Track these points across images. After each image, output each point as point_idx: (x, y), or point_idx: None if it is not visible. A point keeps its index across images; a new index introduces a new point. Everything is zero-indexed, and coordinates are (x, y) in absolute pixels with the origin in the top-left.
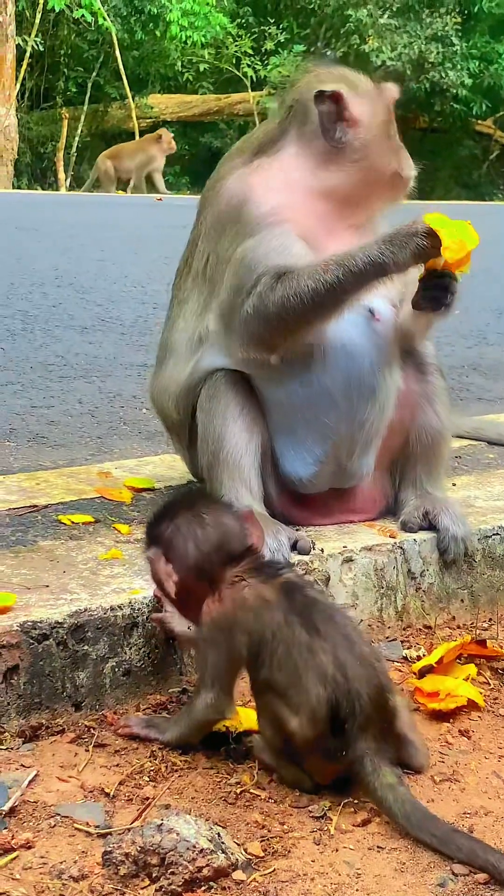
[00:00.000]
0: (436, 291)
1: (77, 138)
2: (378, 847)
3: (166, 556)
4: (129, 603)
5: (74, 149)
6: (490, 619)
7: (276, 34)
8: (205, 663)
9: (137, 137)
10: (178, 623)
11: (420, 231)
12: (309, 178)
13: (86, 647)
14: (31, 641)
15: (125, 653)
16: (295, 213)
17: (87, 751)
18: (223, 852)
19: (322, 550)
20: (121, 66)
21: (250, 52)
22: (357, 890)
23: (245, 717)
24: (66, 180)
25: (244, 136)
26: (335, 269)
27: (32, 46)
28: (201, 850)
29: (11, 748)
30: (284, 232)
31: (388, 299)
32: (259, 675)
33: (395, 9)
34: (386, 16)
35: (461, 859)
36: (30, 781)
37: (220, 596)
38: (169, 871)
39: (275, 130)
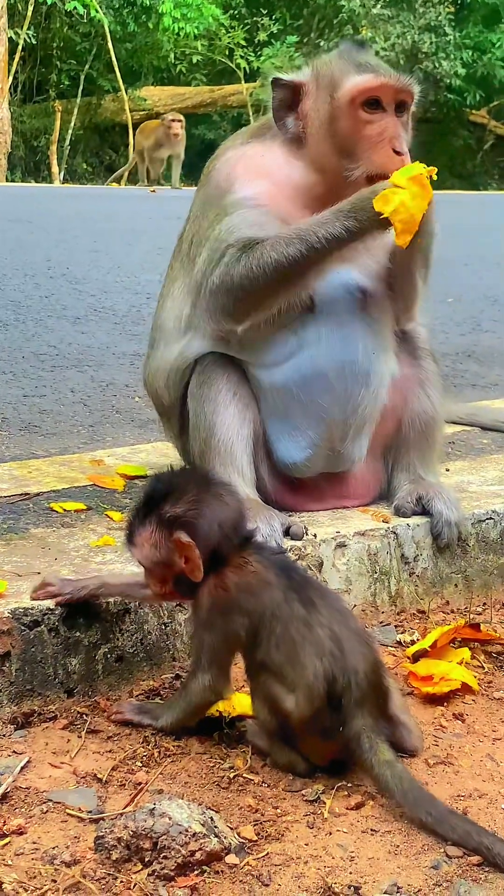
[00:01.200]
0: None
1: (70, 131)
2: (372, 830)
3: (190, 536)
4: None
5: (68, 142)
6: (484, 603)
7: (269, 25)
8: (201, 645)
9: (131, 130)
10: (99, 583)
11: (369, 206)
12: (285, 167)
13: (78, 634)
14: (23, 628)
15: (117, 639)
16: (273, 199)
17: (80, 737)
18: (216, 836)
19: (315, 536)
20: (113, 59)
21: (243, 43)
22: (350, 873)
23: (238, 702)
24: (59, 173)
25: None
26: (297, 242)
27: (25, 39)
28: (194, 834)
29: (4, 735)
30: (261, 212)
31: (378, 279)
32: (255, 657)
33: None
34: (379, 6)
35: (455, 841)
36: (22, 768)
37: (224, 579)
38: (161, 856)
39: (271, 116)
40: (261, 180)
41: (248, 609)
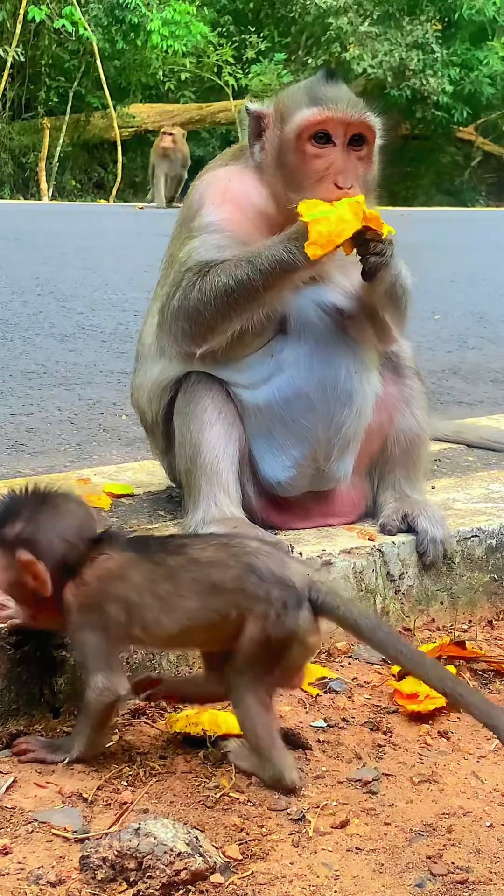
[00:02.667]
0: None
1: (59, 148)
2: (356, 849)
3: (31, 552)
4: None
5: (56, 158)
6: (469, 621)
7: (257, 43)
8: (84, 650)
9: (119, 147)
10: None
11: (300, 229)
12: (253, 193)
13: (64, 653)
14: (9, 647)
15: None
16: (238, 224)
17: None
18: (201, 856)
19: (301, 554)
20: (102, 76)
21: (231, 60)
22: (335, 892)
23: (223, 720)
24: (48, 190)
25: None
26: (245, 265)
27: (13, 57)
28: (179, 854)
29: None
30: (223, 236)
31: (352, 295)
32: (166, 627)
33: (375, 17)
34: (366, 24)
35: (431, 685)
36: (7, 787)
37: (82, 579)
38: (146, 875)
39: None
40: (227, 205)
41: (118, 594)
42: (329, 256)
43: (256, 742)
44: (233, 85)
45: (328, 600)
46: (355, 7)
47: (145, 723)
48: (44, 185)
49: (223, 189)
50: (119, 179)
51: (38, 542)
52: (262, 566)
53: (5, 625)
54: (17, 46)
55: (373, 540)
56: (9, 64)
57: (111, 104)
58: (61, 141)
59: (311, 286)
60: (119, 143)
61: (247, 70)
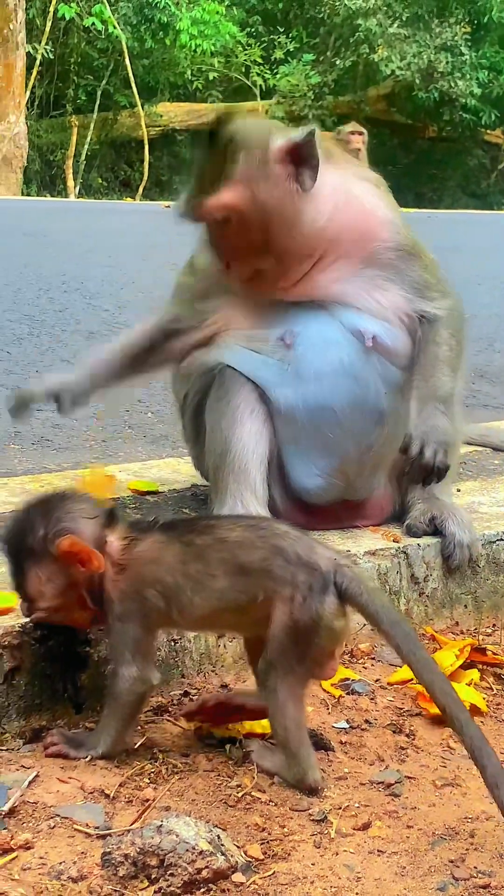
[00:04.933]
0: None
1: (86, 146)
2: (378, 851)
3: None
4: None
5: (83, 156)
6: (493, 625)
7: (286, 43)
8: (122, 639)
9: (146, 146)
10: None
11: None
12: None
13: (87, 649)
14: (33, 642)
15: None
16: None
17: None
18: (223, 854)
19: None
20: (130, 75)
21: (259, 60)
22: (357, 893)
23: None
24: (74, 187)
25: None
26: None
27: (42, 54)
28: (201, 852)
29: (12, 749)
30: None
31: (384, 319)
32: (198, 607)
33: (404, 18)
34: (395, 25)
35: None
36: (30, 782)
37: (118, 566)
38: (168, 873)
39: None
40: None
41: (154, 577)
42: None
43: (285, 736)
44: (260, 85)
45: (352, 587)
46: (384, 9)
47: (168, 720)
48: (70, 182)
49: None
50: (145, 178)
51: (68, 528)
52: (289, 549)
53: (29, 619)
54: (47, 44)
55: (397, 542)
56: (38, 61)
57: (139, 103)
58: (88, 139)
59: (336, 307)
60: (146, 141)
61: (275, 70)
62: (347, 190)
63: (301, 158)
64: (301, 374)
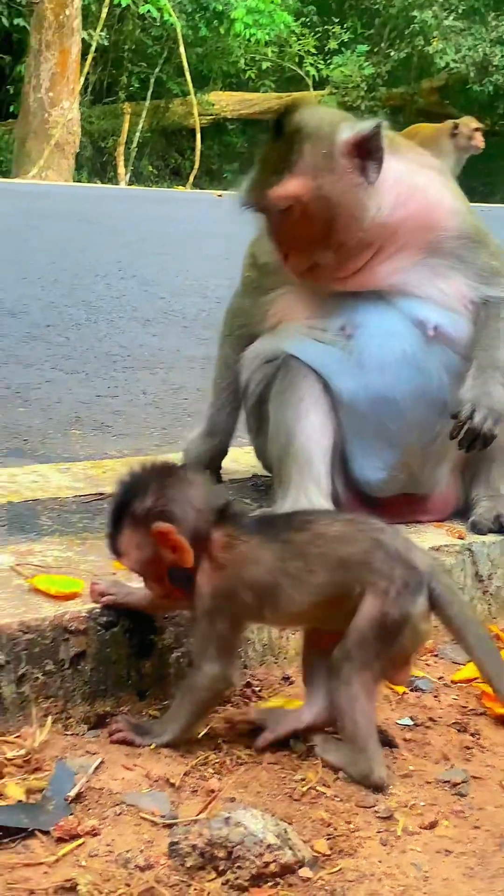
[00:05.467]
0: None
1: (138, 133)
2: (446, 851)
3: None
4: None
5: (135, 144)
6: None
7: (340, 34)
8: (210, 635)
9: (198, 134)
10: (138, 594)
11: None
12: None
13: (152, 636)
14: (99, 628)
15: (190, 643)
16: None
17: None
18: (290, 849)
19: None
20: (184, 63)
21: (313, 51)
22: (425, 893)
23: None
24: (125, 174)
25: None
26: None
27: (97, 41)
28: (268, 846)
29: (77, 734)
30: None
31: (446, 307)
32: (297, 603)
33: (460, 11)
34: (451, 18)
35: None
36: (95, 768)
37: (217, 560)
38: (236, 865)
39: None
40: None
41: (253, 578)
42: None
43: (354, 729)
44: (314, 75)
45: (445, 595)
46: (440, 1)
47: (232, 711)
48: (122, 169)
49: None
50: (196, 167)
51: (172, 514)
52: (390, 543)
53: (97, 604)
54: (102, 31)
55: (462, 538)
56: (93, 48)
57: (192, 91)
58: (140, 126)
59: (396, 297)
60: (198, 130)
61: (328, 61)
62: (411, 180)
63: (367, 151)
64: (363, 365)
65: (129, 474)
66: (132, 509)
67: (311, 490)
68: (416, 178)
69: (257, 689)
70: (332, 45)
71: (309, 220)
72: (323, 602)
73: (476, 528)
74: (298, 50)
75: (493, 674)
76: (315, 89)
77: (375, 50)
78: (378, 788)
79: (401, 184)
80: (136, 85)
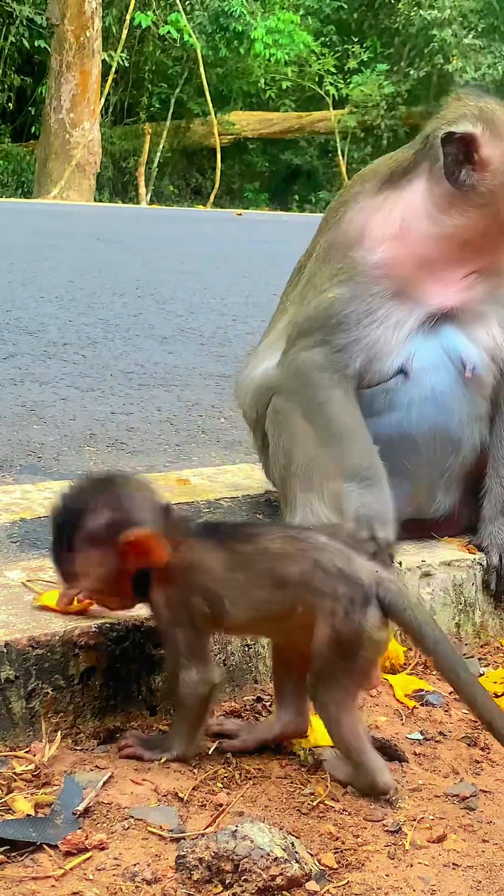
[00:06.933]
0: None
1: (158, 153)
2: (454, 864)
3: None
4: None
5: (156, 164)
6: None
7: (360, 53)
8: (176, 644)
9: (219, 154)
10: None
11: None
12: (427, 224)
13: (162, 652)
14: (109, 643)
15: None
16: (401, 266)
17: None
18: (297, 862)
19: (400, 564)
20: (205, 83)
21: (333, 70)
22: None
23: (318, 727)
24: (146, 194)
25: (383, 157)
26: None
27: (118, 62)
28: (275, 859)
29: (87, 749)
30: (376, 293)
31: (486, 351)
32: (236, 617)
33: (479, 29)
34: (470, 36)
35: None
36: (104, 783)
37: (164, 570)
38: (242, 878)
39: (409, 160)
40: (391, 244)
41: (199, 584)
42: None
43: (345, 747)
44: (333, 94)
45: (396, 601)
46: (459, 19)
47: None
48: (142, 189)
49: (390, 223)
50: (217, 186)
51: (139, 519)
52: (328, 562)
53: (106, 620)
54: (122, 52)
55: (473, 553)
56: (113, 69)
57: (212, 111)
58: (161, 146)
59: (445, 329)
60: (218, 149)
61: (348, 80)
62: None
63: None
64: (395, 403)
65: (63, 498)
66: (85, 529)
67: (315, 505)
68: None
69: (268, 703)
70: (352, 64)
71: None
72: (265, 618)
73: (484, 550)
74: (318, 69)
75: (449, 668)
76: (335, 108)
77: (395, 69)
78: (385, 794)
79: None
80: (157, 105)
